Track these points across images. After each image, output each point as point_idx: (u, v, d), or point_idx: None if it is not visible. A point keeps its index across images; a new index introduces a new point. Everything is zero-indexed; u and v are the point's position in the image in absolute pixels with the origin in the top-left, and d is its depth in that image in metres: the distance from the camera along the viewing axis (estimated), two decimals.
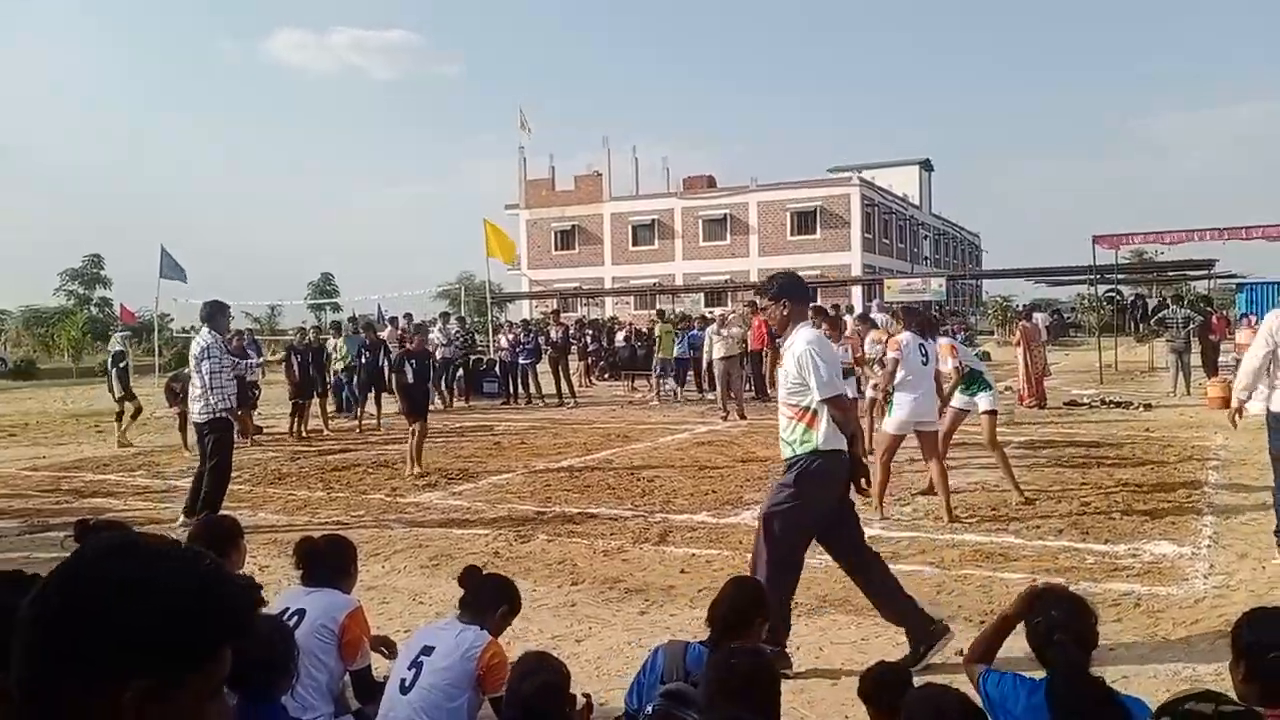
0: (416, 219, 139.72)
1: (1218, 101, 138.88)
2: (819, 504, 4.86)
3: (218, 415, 8.20)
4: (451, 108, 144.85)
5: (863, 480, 4.98)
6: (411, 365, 11.05)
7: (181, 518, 8.12)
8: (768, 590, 3.87)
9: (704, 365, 18.65)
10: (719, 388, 16.76)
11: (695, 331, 20.27)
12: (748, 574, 3.74)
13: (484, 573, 3.86)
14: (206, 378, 8.14)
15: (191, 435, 9.70)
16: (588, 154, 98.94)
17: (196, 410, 8.29)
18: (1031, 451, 11.29)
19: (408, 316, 21.94)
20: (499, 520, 8.38)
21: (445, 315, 23.18)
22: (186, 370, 14.41)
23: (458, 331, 21.18)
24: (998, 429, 8.79)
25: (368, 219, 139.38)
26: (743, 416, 15.84)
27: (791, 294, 4.94)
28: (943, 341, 8.56)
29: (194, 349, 8.34)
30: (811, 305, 12.24)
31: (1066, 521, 7.67)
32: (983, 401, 8.68)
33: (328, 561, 3.85)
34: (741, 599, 3.38)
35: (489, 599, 3.64)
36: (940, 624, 4.88)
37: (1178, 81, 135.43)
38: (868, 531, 7.42)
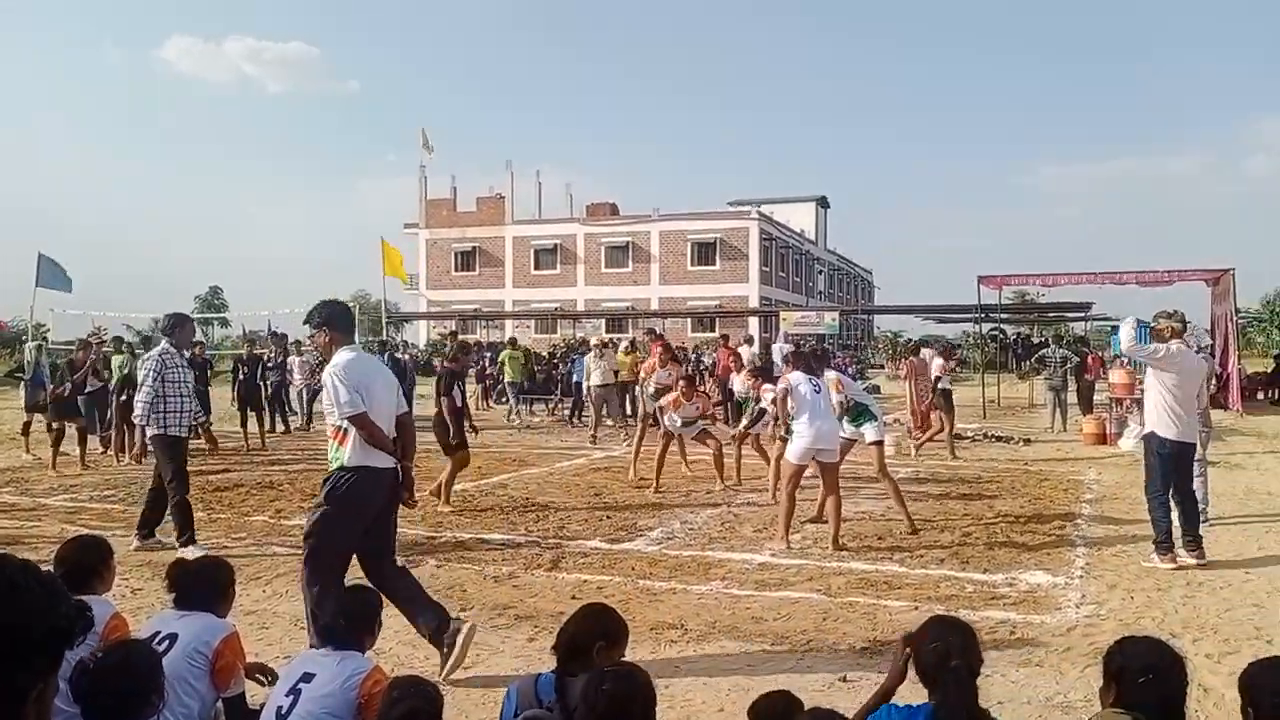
0: (312, 235, 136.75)
1: (1091, 156, 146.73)
2: (351, 519, 5.10)
3: (168, 432, 7.89)
4: (350, 125, 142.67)
5: (406, 494, 5.29)
6: (460, 388, 10.25)
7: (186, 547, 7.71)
8: (314, 607, 4.30)
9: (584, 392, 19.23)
10: (593, 413, 17.11)
11: (612, 358, 20.27)
12: (598, 602, 3.75)
13: (191, 560, 3.90)
14: (154, 389, 7.83)
15: (73, 447, 9.20)
16: (491, 177, 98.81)
17: (149, 425, 7.93)
18: (916, 483, 11.59)
19: (279, 336, 21.15)
20: None
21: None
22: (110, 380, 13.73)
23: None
24: (886, 459, 9.04)
25: (261, 234, 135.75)
26: (594, 440, 16.33)
27: (333, 322, 5.35)
28: (829, 375, 8.77)
29: (148, 362, 7.98)
30: (660, 337, 12.69)
31: (948, 551, 7.89)
32: (869, 433, 8.91)
33: (202, 584, 3.71)
34: (581, 627, 3.37)
35: (365, 622, 3.57)
36: (458, 620, 5.16)
37: (1055, 135, 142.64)
38: (759, 558, 7.61)
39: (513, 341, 23.52)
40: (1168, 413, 7.39)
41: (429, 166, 61.21)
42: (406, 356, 20.24)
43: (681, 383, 11.60)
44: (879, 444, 8.85)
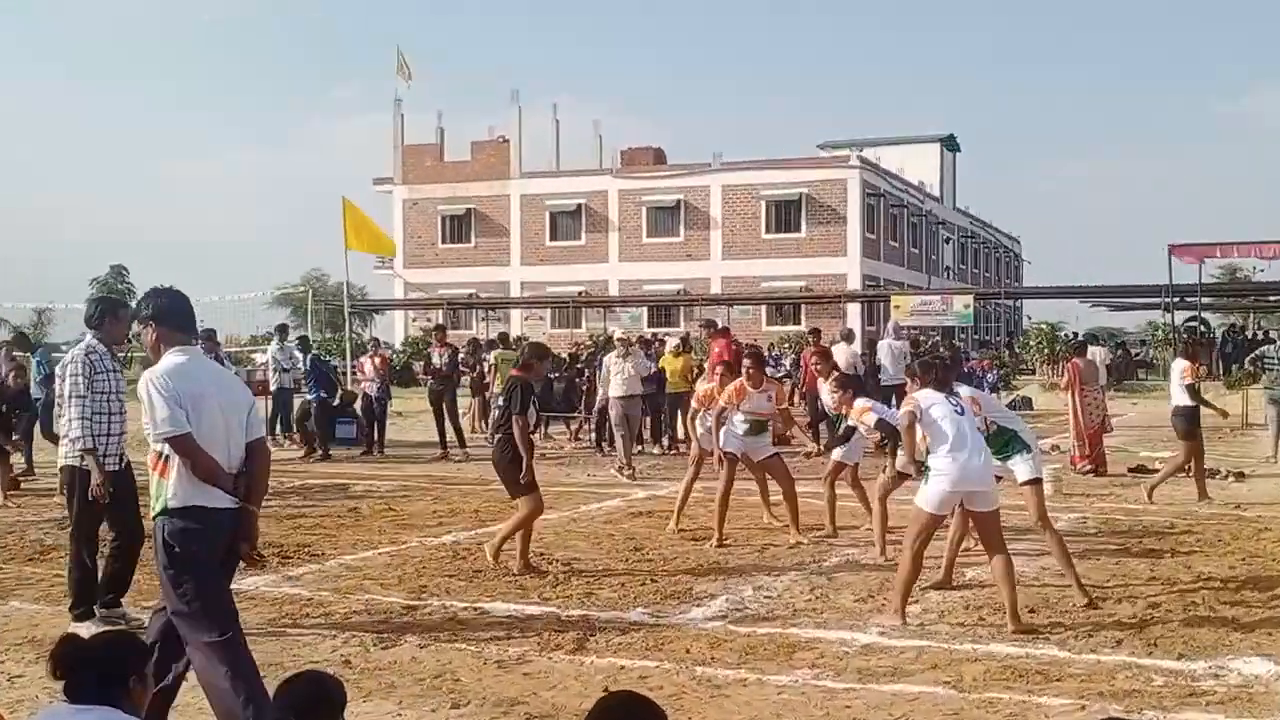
0: (248, 197, 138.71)
1: None
2: (204, 578, 5.30)
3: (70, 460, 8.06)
4: (302, 46, 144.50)
5: (246, 546, 5.46)
6: (535, 406, 10.19)
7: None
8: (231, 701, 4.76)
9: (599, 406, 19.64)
10: (617, 437, 17.31)
11: (641, 359, 20.34)
12: (633, 691, 3.76)
13: (88, 638, 3.99)
14: (87, 401, 7.86)
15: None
16: (491, 115, 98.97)
17: (64, 450, 8.09)
18: (1084, 534, 11.50)
19: (205, 333, 21.40)
20: (351, 616, 8.30)
21: (284, 329, 22.94)
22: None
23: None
24: (1045, 502, 8.97)
25: (180, 197, 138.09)
26: (629, 472, 16.62)
27: (163, 316, 5.62)
28: (962, 391, 8.73)
29: (72, 365, 7.96)
30: (747, 352, 12.61)
31: (1128, 629, 7.81)
32: (1021, 469, 8.84)
33: (102, 669, 3.76)
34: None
35: (108, 671, 3.70)
36: None
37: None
38: (862, 637, 7.59)
39: (503, 338, 24.27)
40: None
41: (408, 101, 61.77)
42: (376, 361, 20.35)
43: (748, 362, 11.57)
44: (1035, 483, 8.80)
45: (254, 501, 5.49)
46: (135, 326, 5.76)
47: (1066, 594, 8.59)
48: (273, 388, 20.91)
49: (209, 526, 5.29)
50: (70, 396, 7.85)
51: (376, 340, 23.19)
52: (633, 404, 17.56)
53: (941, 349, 31.54)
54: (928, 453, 8.06)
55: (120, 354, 8.79)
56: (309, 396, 19.72)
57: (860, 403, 10.70)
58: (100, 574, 8.19)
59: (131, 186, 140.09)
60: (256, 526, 5.54)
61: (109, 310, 8.20)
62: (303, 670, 4.46)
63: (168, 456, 5.31)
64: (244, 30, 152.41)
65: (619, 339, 19.29)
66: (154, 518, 5.35)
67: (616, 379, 17.44)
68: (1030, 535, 9.77)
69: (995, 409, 9.10)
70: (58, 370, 8.03)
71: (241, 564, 5.58)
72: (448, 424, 20.10)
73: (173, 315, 5.61)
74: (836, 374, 12.08)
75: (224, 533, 5.35)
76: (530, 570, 9.70)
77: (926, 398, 8.13)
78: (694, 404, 12.58)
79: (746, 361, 11.60)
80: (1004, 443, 8.88)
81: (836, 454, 11.46)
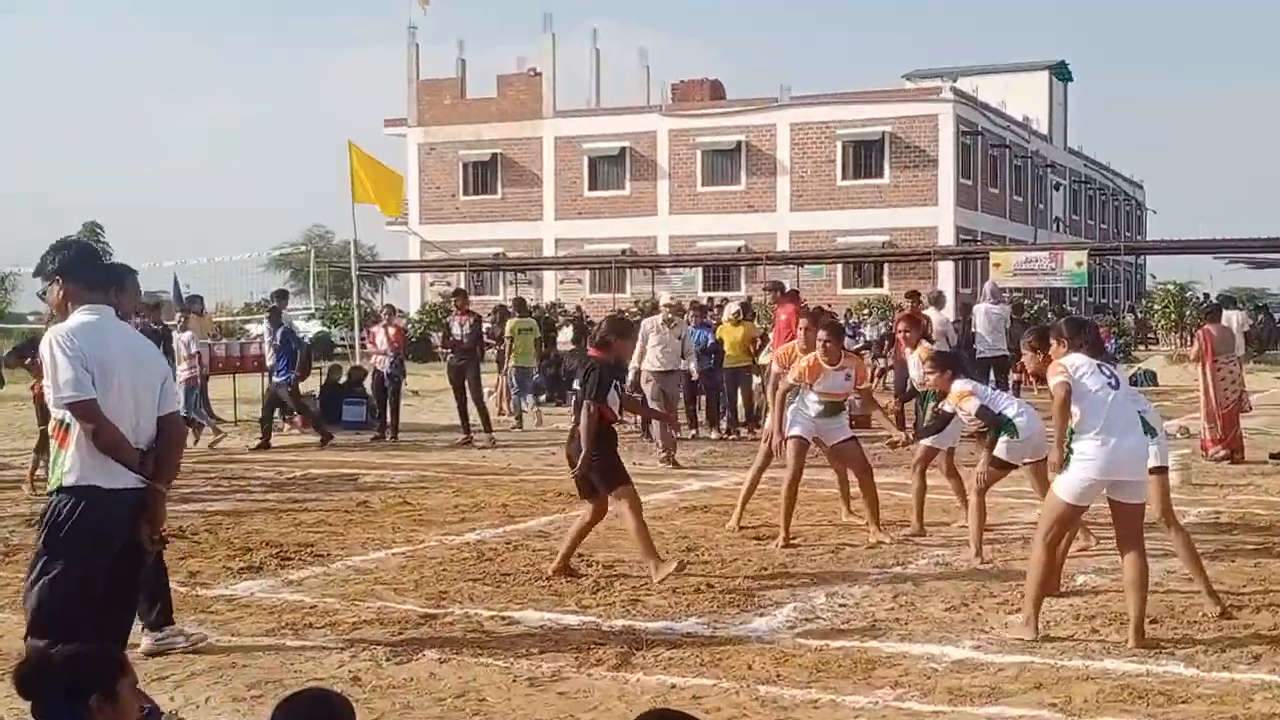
0: (241, 147, 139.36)
1: None
2: (83, 569, 5.41)
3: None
4: None
5: (149, 529, 5.61)
6: (619, 389, 10.13)
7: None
8: None
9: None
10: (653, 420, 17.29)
11: (694, 329, 20.32)
12: (678, 710, 3.79)
13: (53, 653, 4.06)
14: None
15: None
16: (520, 43, 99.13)
17: None
18: (1217, 531, 11.43)
19: (192, 300, 21.48)
20: (361, 626, 8.35)
21: (283, 294, 23.14)
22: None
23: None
24: (1171, 495, 8.92)
25: (165, 148, 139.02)
26: (673, 462, 16.75)
27: (71, 271, 5.83)
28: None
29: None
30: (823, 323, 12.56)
31: (1267, 642, 7.77)
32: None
33: (70, 687, 3.83)
34: None
35: (74, 689, 3.74)
36: None
37: None
38: (954, 652, 7.58)
39: (519, 304, 24.77)
40: None
41: (423, 30, 61.91)
42: (390, 332, 20.46)
43: (824, 334, 11.55)
44: (1160, 472, 8.75)
45: (162, 480, 5.68)
46: (40, 284, 5.93)
47: (1195, 601, 8.54)
48: (269, 363, 21.08)
49: (104, 512, 5.46)
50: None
51: (391, 308, 23.19)
52: (670, 380, 17.47)
53: (1050, 315, 31.30)
54: (1072, 432, 7.98)
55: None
56: (279, 379, 19.38)
57: (960, 385, 10.62)
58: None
59: (107, 133, 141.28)
60: (163, 508, 5.72)
61: (115, 279, 7.58)
62: (305, 688, 4.52)
63: (69, 425, 5.48)
64: None
65: (665, 304, 19.17)
66: (48, 492, 5.59)
67: (654, 350, 17.37)
68: (1154, 532, 9.71)
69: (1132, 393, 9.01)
70: (47, 350, 7.83)
71: (142, 545, 5.72)
72: (471, 404, 20.12)
73: (81, 270, 5.79)
74: (930, 347, 12.04)
75: (123, 520, 5.51)
76: (566, 574, 9.74)
77: (1077, 365, 7.99)
78: (774, 366, 12.57)
79: (822, 333, 11.55)
80: None
81: (927, 440, 11.43)
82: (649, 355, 17.47)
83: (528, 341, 22.46)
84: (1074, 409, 7.86)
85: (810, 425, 11.37)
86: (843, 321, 26.01)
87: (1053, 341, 8.64)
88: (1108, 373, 7.98)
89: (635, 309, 36.23)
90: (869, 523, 11.27)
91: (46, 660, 3.97)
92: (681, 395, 20.39)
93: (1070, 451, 7.87)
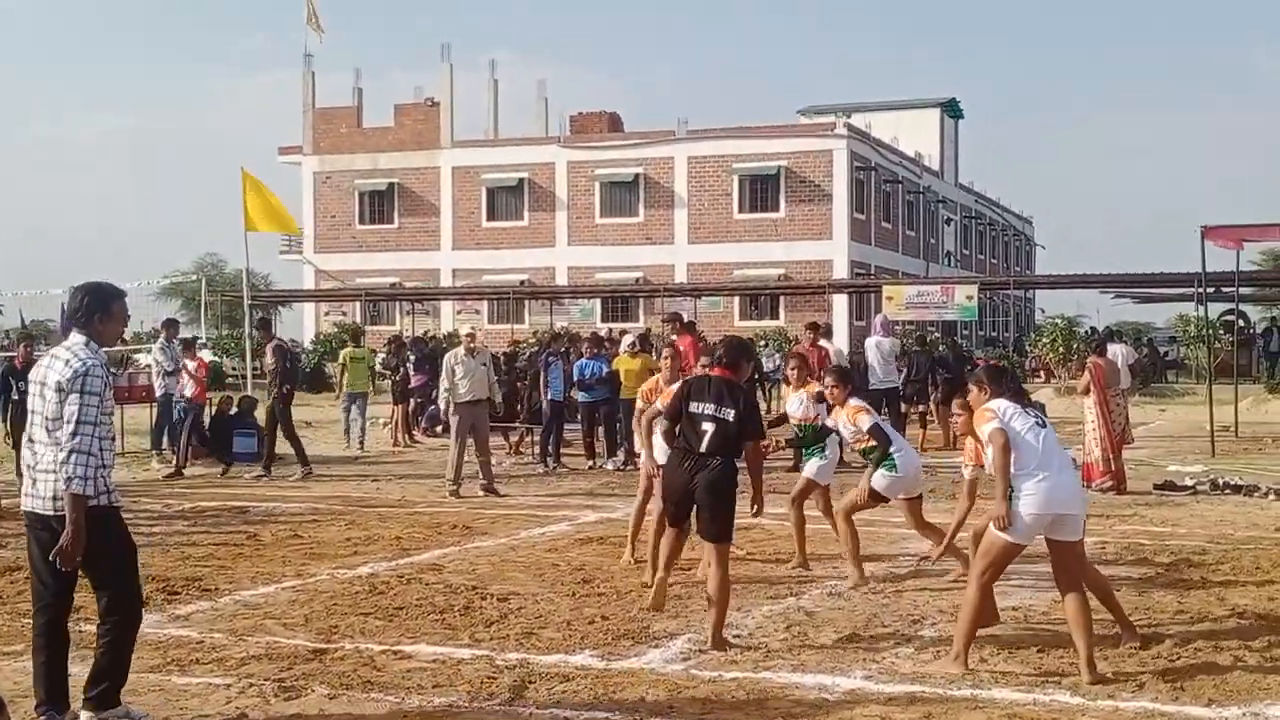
0: (129, 168, 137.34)
1: None
2: None
3: (99, 500, 6.69)
4: None
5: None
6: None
7: (86, 715, 6.70)
8: None
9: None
10: (453, 446, 17.34)
11: (586, 361, 20.47)
12: None
13: None
14: (75, 425, 6.63)
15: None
16: (417, 73, 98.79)
17: (48, 492, 6.72)
18: (1103, 561, 11.55)
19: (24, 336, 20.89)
20: (249, 662, 8.24)
21: (172, 324, 22.81)
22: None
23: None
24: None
25: (47, 167, 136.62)
26: (493, 491, 17.00)
27: None
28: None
29: (61, 370, 6.75)
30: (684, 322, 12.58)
31: (1152, 671, 7.87)
32: None
33: None
34: None
35: None
36: None
37: None
38: (845, 681, 7.61)
39: (354, 335, 26.91)
40: None
41: (319, 57, 61.53)
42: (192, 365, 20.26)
43: (705, 361, 11.54)
44: None
45: None
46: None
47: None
48: (158, 393, 20.76)
49: None
50: (80, 421, 6.62)
51: (195, 338, 23.89)
52: (479, 410, 17.44)
53: (940, 348, 31.72)
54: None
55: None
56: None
57: (855, 402, 10.73)
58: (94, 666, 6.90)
59: None
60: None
61: (101, 305, 7.05)
62: None
63: None
64: None
65: (466, 334, 19.12)
66: None
67: (461, 382, 17.31)
68: (1043, 564, 9.84)
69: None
70: (63, 380, 6.68)
71: None
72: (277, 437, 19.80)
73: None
74: (834, 367, 12.12)
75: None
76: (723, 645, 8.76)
77: (1004, 409, 8.08)
78: (639, 400, 12.39)
79: (704, 360, 11.67)
80: None
81: (808, 472, 11.51)
82: (457, 387, 17.38)
83: (360, 370, 24.45)
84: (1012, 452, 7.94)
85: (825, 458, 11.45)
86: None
87: (974, 389, 8.73)
88: (1034, 414, 8.10)
89: (533, 340, 36.15)
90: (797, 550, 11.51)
91: None
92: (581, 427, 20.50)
93: (1011, 492, 7.94)
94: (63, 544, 6.53)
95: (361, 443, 23.90)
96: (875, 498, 10.52)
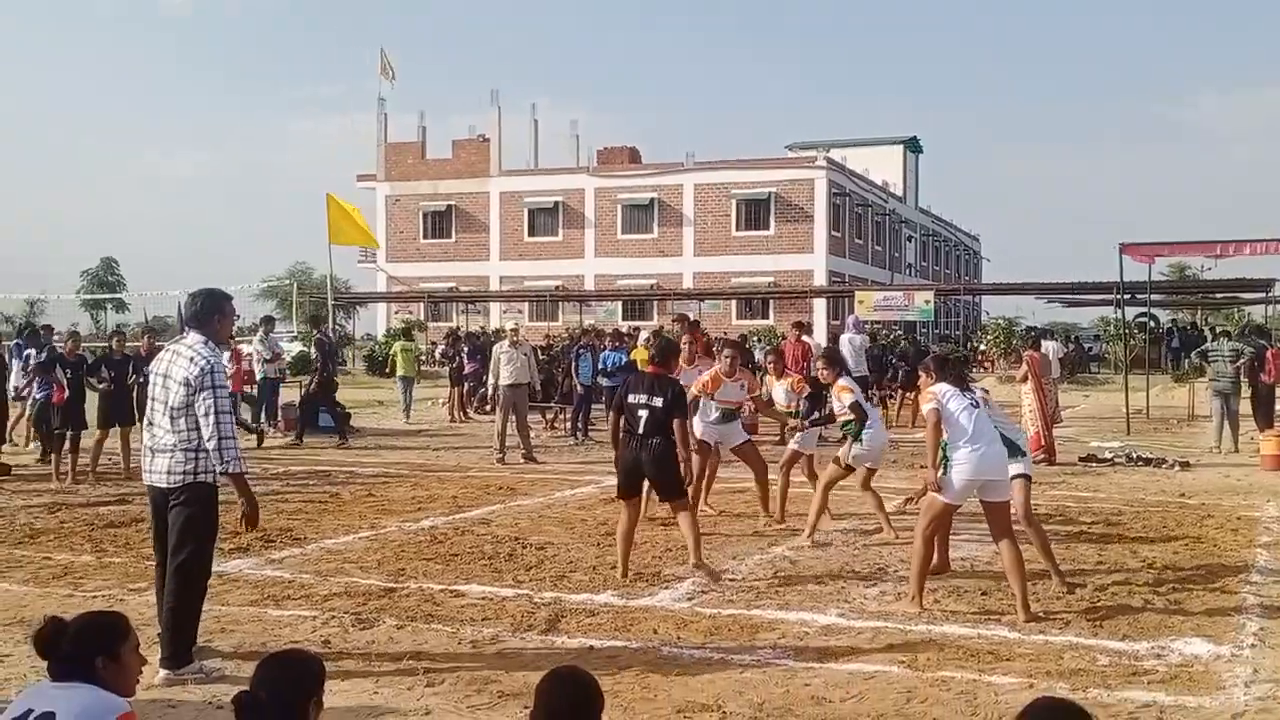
0: (234, 194, 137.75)
1: (1271, 79, 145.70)
2: None
3: (202, 477, 6.67)
4: (284, 48, 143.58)
5: None
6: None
7: (163, 673, 6.42)
8: None
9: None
10: (498, 421, 17.35)
11: (609, 352, 20.48)
12: (575, 666, 3.79)
13: (69, 620, 3.88)
14: (215, 416, 6.56)
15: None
16: (471, 114, 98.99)
17: (165, 468, 6.67)
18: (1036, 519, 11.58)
19: (46, 328, 20.30)
20: (332, 598, 8.29)
21: (269, 320, 22.87)
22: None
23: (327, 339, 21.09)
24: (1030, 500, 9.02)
25: (169, 192, 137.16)
26: (532, 459, 16.92)
27: None
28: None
29: (187, 367, 6.63)
30: (727, 342, 12.55)
31: (1075, 611, 7.89)
32: (1013, 466, 8.86)
33: (83, 647, 3.75)
34: (560, 701, 3.41)
35: (84, 651, 3.71)
36: None
37: (1219, 54, 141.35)
38: (823, 618, 7.63)
39: (406, 331, 27.68)
40: None
41: (390, 100, 61.58)
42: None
43: (728, 351, 11.61)
44: (1025, 480, 8.86)
45: None
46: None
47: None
48: (258, 377, 20.80)
49: None
50: (218, 412, 6.56)
51: (344, 335, 24.30)
52: (519, 392, 17.37)
53: (903, 343, 31.67)
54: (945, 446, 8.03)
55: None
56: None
57: (842, 381, 10.67)
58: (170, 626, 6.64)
59: (123, 179, 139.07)
60: None
61: (216, 307, 6.97)
62: (283, 649, 4.46)
63: None
64: (237, 29, 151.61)
65: (511, 329, 19.29)
66: None
67: (506, 369, 17.29)
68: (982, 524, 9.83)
69: (998, 415, 9.08)
70: (190, 376, 6.58)
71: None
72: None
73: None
74: (826, 351, 12.12)
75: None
76: (706, 568, 8.92)
77: (944, 392, 8.11)
78: (694, 391, 12.43)
79: (728, 351, 11.66)
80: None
81: (793, 443, 11.53)
82: (502, 373, 17.38)
83: (409, 359, 24.98)
84: (945, 428, 7.95)
85: (713, 432, 11.44)
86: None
87: (923, 375, 8.76)
88: (969, 397, 8.09)
89: (566, 334, 36.10)
90: (760, 507, 11.42)
91: (60, 626, 3.89)
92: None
93: (946, 461, 7.96)
94: (245, 513, 6.73)
95: (408, 415, 24.30)
96: (846, 468, 10.51)
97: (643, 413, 8.86)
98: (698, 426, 11.26)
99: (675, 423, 8.85)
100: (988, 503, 8.06)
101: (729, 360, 11.37)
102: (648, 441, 8.83)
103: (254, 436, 19.02)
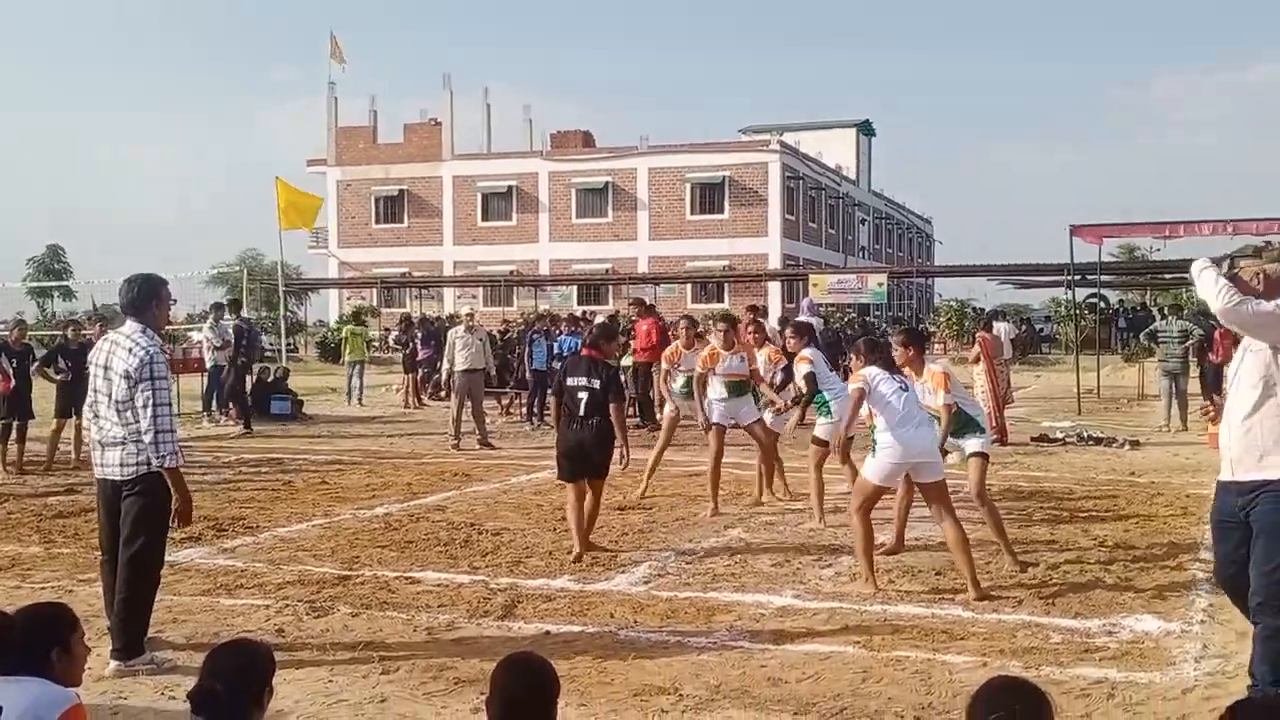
0: (183, 179, 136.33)
1: (1222, 61, 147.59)
2: None
3: (151, 467, 6.49)
4: (237, 32, 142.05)
5: None
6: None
7: (114, 664, 6.35)
8: None
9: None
10: (453, 407, 17.32)
11: (565, 337, 20.39)
12: (529, 652, 3.80)
13: (12, 613, 3.84)
14: (153, 409, 6.41)
15: None
16: (424, 98, 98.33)
17: (117, 460, 6.53)
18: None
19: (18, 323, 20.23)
20: (285, 587, 8.23)
21: (219, 306, 22.60)
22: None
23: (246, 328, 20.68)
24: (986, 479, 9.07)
25: (116, 178, 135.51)
26: (488, 445, 16.87)
27: None
28: (934, 368, 8.80)
29: (126, 359, 6.47)
30: (720, 316, 12.66)
31: (1028, 590, 7.96)
32: (971, 443, 8.92)
33: (35, 640, 3.71)
34: (516, 687, 3.42)
35: (30, 643, 3.67)
36: None
37: (1173, 37, 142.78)
38: (778, 599, 7.66)
39: (356, 315, 27.98)
40: None
41: (341, 84, 61.07)
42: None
43: (721, 325, 11.70)
44: (982, 458, 8.91)
45: None
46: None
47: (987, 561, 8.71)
48: (208, 365, 20.59)
49: None
50: (156, 405, 6.41)
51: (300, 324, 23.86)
52: (475, 378, 17.43)
53: (856, 325, 31.82)
54: (872, 429, 8.09)
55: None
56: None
57: (807, 351, 10.67)
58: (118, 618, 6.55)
59: (69, 164, 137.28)
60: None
61: (152, 292, 6.79)
62: (234, 638, 4.42)
63: None
64: (183, 14, 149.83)
65: (466, 314, 19.39)
66: None
67: (461, 354, 17.33)
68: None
69: (959, 391, 9.14)
70: (130, 369, 6.41)
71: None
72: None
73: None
74: (795, 320, 12.23)
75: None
76: (594, 548, 9.25)
77: (874, 375, 8.15)
78: (664, 363, 12.72)
79: (721, 324, 11.82)
80: (961, 424, 8.93)
81: (771, 424, 11.57)
82: (457, 358, 17.36)
83: (358, 343, 25.79)
84: (874, 410, 8.00)
85: (725, 411, 11.44)
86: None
87: (854, 357, 8.84)
88: (898, 380, 8.15)
89: (521, 319, 36.03)
90: (761, 485, 11.59)
91: (8, 620, 3.84)
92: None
93: (875, 444, 8.01)
94: (178, 509, 6.54)
95: (360, 401, 24.53)
96: (820, 443, 10.48)
97: (582, 395, 9.09)
98: (711, 408, 11.39)
99: (612, 406, 9.06)
100: (922, 484, 8.17)
101: (723, 333, 11.54)
102: (588, 422, 9.09)
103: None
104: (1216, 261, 5.62)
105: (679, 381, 12.48)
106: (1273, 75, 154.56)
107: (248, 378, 20.16)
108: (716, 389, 11.40)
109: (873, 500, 8.20)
